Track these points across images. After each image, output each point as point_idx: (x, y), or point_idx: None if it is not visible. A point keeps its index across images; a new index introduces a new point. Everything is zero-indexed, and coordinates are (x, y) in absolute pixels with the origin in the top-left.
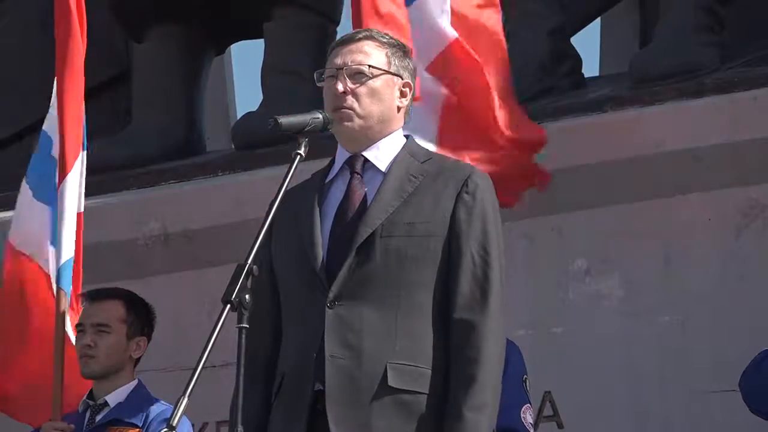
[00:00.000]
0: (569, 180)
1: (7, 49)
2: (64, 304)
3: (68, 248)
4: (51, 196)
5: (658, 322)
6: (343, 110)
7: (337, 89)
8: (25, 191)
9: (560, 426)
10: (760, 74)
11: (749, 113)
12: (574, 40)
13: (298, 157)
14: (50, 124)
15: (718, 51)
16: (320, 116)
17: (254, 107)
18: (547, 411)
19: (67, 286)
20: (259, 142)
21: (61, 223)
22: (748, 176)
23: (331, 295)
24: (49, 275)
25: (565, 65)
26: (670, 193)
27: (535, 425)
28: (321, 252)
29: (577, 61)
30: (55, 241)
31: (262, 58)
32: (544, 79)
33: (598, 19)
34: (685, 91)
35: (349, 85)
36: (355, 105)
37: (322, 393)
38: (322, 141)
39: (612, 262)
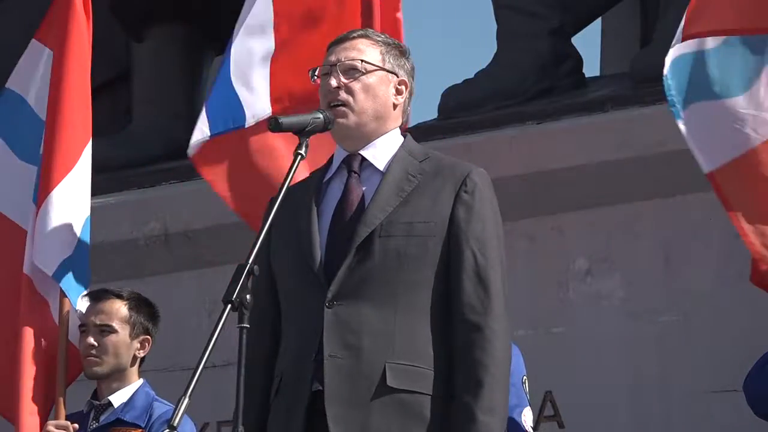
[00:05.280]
0: (569, 180)
1: (7, 48)
2: (68, 304)
3: (69, 246)
4: (35, 156)
5: (658, 322)
6: (337, 107)
7: (330, 85)
8: (4, 150)
9: (561, 426)
10: None
11: None
12: (575, 40)
13: (299, 156)
14: (18, 80)
15: None
16: (321, 116)
17: None
18: (548, 411)
19: (69, 288)
20: None
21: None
22: None
23: (329, 294)
24: (26, 230)
25: (566, 65)
26: (670, 193)
27: (536, 425)
28: (319, 252)
29: (578, 61)
30: (35, 198)
31: None
32: (544, 79)
33: (599, 19)
34: None
35: (343, 80)
36: (350, 100)
37: (321, 393)
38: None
39: (612, 262)
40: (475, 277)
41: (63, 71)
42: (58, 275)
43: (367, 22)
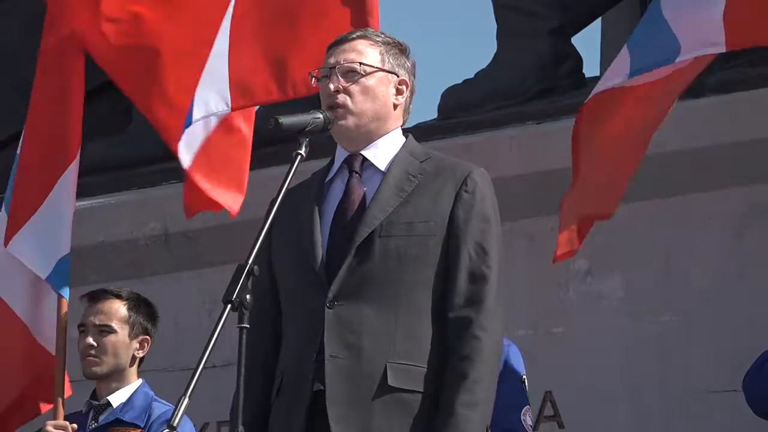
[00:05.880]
0: (569, 180)
1: (7, 49)
2: (65, 305)
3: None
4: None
5: (658, 322)
6: (336, 109)
7: (329, 88)
8: None
9: (560, 426)
10: (760, 74)
11: (749, 113)
12: (575, 40)
13: (299, 156)
14: None
15: None
16: (321, 116)
17: None
18: (548, 411)
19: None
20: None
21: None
22: (748, 176)
23: (330, 294)
24: None
25: (566, 65)
26: (670, 193)
27: (535, 425)
28: (321, 251)
29: (578, 61)
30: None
31: None
32: (544, 79)
33: (599, 19)
34: (685, 91)
35: (342, 83)
36: (348, 102)
37: (323, 393)
38: (323, 141)
39: (612, 262)
40: (470, 275)
41: (58, 70)
42: (53, 276)
43: (361, 17)
